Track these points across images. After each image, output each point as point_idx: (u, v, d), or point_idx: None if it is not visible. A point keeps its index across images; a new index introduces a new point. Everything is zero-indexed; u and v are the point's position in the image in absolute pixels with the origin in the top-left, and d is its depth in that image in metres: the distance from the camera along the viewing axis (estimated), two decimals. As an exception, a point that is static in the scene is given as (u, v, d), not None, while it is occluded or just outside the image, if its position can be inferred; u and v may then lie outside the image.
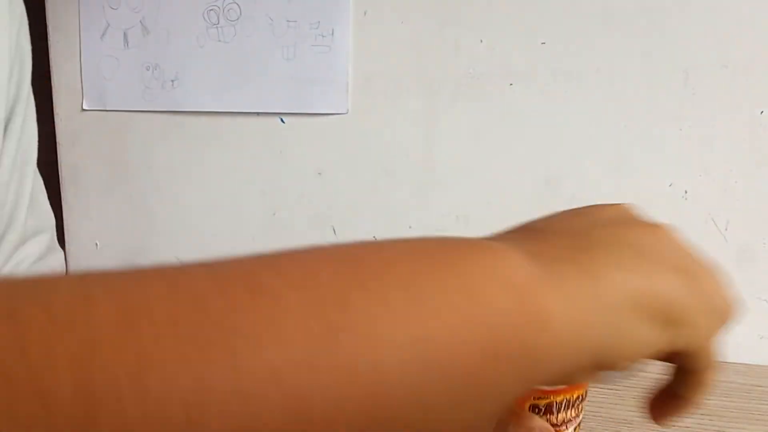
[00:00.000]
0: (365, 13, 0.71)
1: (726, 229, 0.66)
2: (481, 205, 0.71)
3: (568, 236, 0.22)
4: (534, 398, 0.32)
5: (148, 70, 0.77)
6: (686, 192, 0.66)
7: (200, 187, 0.80)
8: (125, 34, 0.77)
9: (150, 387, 0.13)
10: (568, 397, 0.32)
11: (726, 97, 0.64)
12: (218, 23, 0.74)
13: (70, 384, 0.12)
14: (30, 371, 0.12)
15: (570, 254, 0.21)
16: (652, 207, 0.76)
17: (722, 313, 0.23)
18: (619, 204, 0.26)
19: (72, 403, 0.12)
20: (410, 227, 0.74)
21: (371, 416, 0.15)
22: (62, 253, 0.52)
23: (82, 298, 0.14)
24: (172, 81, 0.76)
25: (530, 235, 0.23)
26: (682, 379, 0.26)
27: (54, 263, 0.50)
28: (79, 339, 0.13)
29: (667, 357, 0.23)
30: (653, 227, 0.23)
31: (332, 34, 0.71)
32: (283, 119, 0.75)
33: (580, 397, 0.33)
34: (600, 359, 0.21)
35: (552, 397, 0.32)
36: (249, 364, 0.14)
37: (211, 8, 0.74)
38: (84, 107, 0.80)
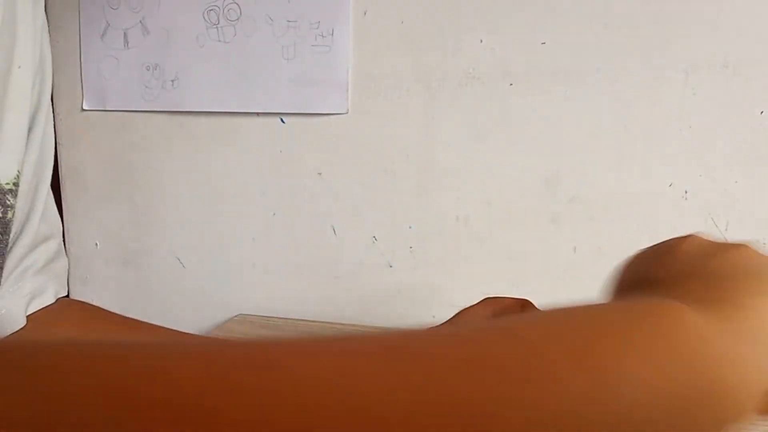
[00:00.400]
0: (365, 13, 0.71)
1: (726, 229, 0.66)
2: (481, 205, 0.71)
3: (692, 277, 0.23)
4: None
5: (148, 70, 0.77)
6: (686, 192, 0.66)
7: (200, 187, 0.80)
8: (125, 34, 0.77)
9: None
10: None
11: (726, 97, 0.64)
12: (218, 23, 0.74)
13: None
14: None
15: (722, 295, 0.22)
16: (652, 207, 0.76)
17: None
18: (690, 236, 0.27)
19: None
20: (410, 227, 0.74)
21: None
22: (66, 260, 0.53)
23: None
24: (172, 81, 0.76)
25: (681, 282, 0.23)
26: None
27: (59, 269, 0.51)
28: None
29: None
30: (735, 248, 0.25)
31: (332, 34, 0.71)
32: (283, 119, 0.75)
33: None
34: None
35: None
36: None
37: (211, 8, 0.74)
38: (84, 107, 0.80)
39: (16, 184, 0.43)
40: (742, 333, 0.20)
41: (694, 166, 0.65)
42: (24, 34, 0.43)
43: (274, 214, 0.78)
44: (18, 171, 0.43)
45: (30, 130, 0.45)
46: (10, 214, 0.43)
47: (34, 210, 0.46)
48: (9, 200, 0.42)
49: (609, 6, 0.65)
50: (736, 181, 0.65)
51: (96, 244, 0.84)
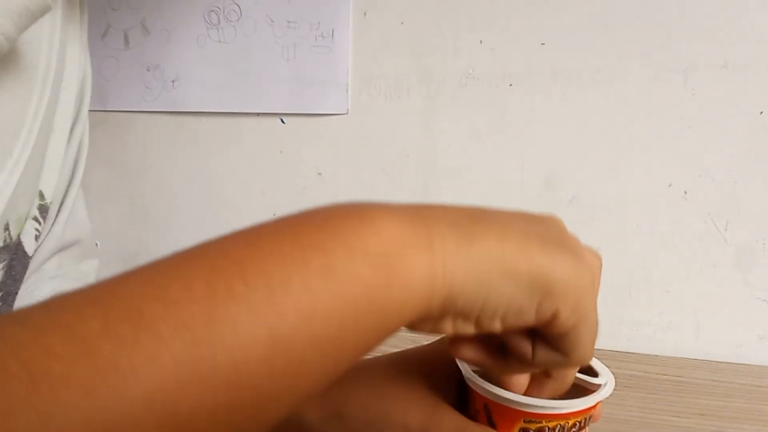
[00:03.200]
0: (365, 14, 0.71)
1: (726, 229, 0.66)
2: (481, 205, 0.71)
3: (472, 212, 0.26)
4: (524, 421, 0.30)
5: (148, 70, 0.77)
6: (686, 192, 0.66)
7: (200, 187, 0.80)
8: (126, 35, 0.77)
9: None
10: (562, 424, 0.30)
11: (726, 97, 0.64)
12: (219, 24, 0.74)
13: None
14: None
15: (460, 221, 0.24)
16: (652, 207, 0.76)
17: (591, 288, 0.26)
18: (548, 215, 0.28)
19: None
20: (410, 227, 0.74)
21: (235, 402, 0.18)
22: (96, 260, 0.53)
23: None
24: (173, 81, 0.76)
25: (432, 206, 0.26)
26: (552, 357, 0.27)
27: (86, 270, 0.52)
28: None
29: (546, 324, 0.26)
30: (559, 231, 0.27)
31: (332, 34, 0.71)
32: (283, 119, 0.75)
33: (578, 424, 0.31)
34: (461, 311, 0.24)
35: (544, 422, 0.30)
36: (128, 396, 0.16)
37: (211, 9, 0.74)
38: (84, 107, 0.80)
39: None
40: (439, 252, 0.23)
41: (694, 166, 0.65)
42: (71, 57, 0.44)
43: (274, 214, 0.78)
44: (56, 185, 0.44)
45: (69, 140, 0.45)
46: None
47: (61, 214, 0.46)
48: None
49: (609, 6, 0.65)
50: (736, 181, 0.65)
51: (96, 245, 0.85)
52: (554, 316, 0.24)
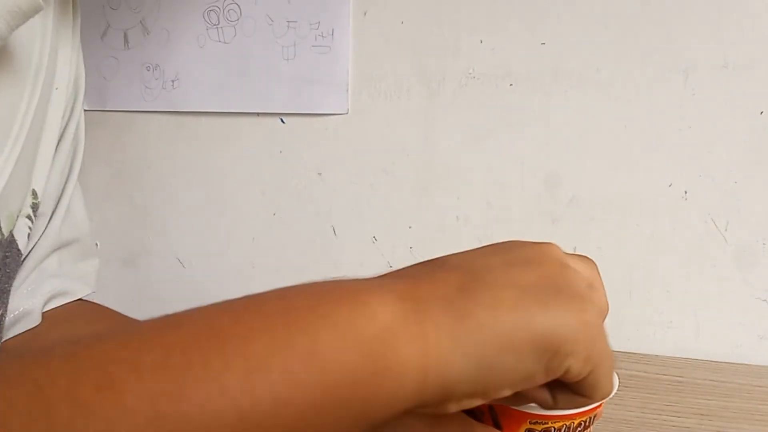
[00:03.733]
0: (365, 14, 0.71)
1: (726, 230, 0.66)
2: (481, 205, 0.71)
3: (460, 275, 0.24)
4: (530, 422, 0.30)
5: (148, 70, 0.77)
6: (686, 192, 0.66)
7: (200, 187, 0.80)
8: (125, 35, 0.77)
9: None
10: (567, 424, 0.30)
11: (726, 97, 0.64)
12: (218, 23, 0.74)
13: None
14: None
15: (449, 294, 0.23)
16: (652, 207, 0.76)
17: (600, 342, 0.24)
18: (544, 243, 0.27)
19: None
20: (410, 227, 0.74)
21: None
22: (97, 260, 0.53)
23: None
24: (173, 81, 0.76)
25: (421, 274, 0.25)
26: (571, 399, 0.27)
27: (86, 270, 0.51)
28: None
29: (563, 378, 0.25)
30: (559, 267, 0.25)
31: (332, 34, 0.71)
32: (283, 119, 0.75)
33: (582, 424, 0.30)
34: (465, 393, 0.23)
35: (550, 423, 0.30)
36: None
37: (211, 9, 0.74)
38: (84, 107, 0.80)
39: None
40: (430, 335, 0.22)
41: (694, 166, 0.65)
42: (63, 58, 0.44)
43: (275, 214, 0.78)
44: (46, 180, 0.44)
45: (61, 139, 0.45)
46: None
47: (57, 212, 0.46)
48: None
49: (609, 6, 0.65)
50: (736, 181, 0.65)
51: (96, 245, 0.84)
52: (567, 371, 0.24)
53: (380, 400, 0.21)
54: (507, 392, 0.24)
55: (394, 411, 0.22)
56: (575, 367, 0.23)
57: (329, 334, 0.20)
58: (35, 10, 0.34)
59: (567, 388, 0.26)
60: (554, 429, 0.30)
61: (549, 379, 0.24)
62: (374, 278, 0.25)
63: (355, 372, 0.20)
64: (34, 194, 0.43)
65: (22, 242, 0.41)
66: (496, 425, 0.31)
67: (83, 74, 0.48)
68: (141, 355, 0.18)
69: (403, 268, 0.26)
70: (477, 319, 0.22)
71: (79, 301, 0.50)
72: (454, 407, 0.24)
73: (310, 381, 0.20)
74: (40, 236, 0.45)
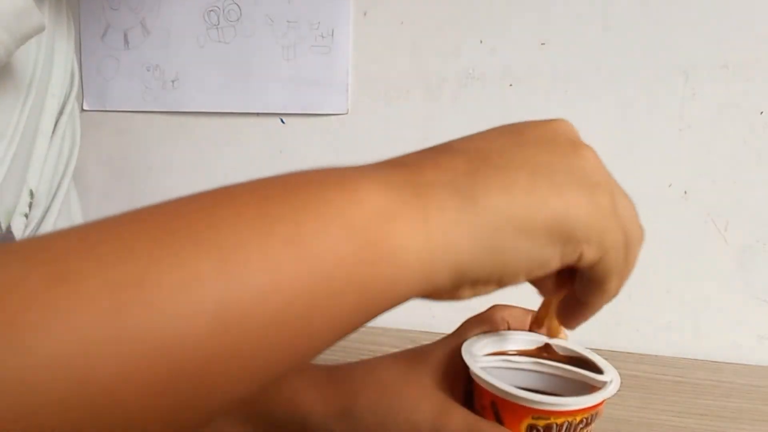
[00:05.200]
0: (365, 14, 0.71)
1: (726, 230, 0.66)
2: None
3: (468, 158, 0.23)
4: (532, 417, 0.30)
5: (148, 70, 0.77)
6: (686, 192, 0.66)
7: (200, 187, 0.79)
8: (126, 35, 0.77)
9: None
10: (570, 420, 0.30)
11: (726, 97, 0.64)
12: (218, 24, 0.74)
13: None
14: None
15: (456, 178, 0.22)
16: (652, 207, 0.76)
17: (628, 230, 0.25)
18: (554, 120, 0.26)
19: None
20: (410, 227, 0.74)
21: (167, 385, 0.16)
22: None
23: None
24: (173, 81, 0.76)
25: (422, 160, 0.23)
26: (585, 286, 0.27)
27: None
28: None
29: (575, 266, 0.24)
30: (571, 147, 0.24)
31: (332, 34, 0.71)
32: (283, 119, 0.75)
33: (584, 421, 0.31)
34: (478, 278, 0.22)
35: (552, 419, 0.30)
36: (34, 354, 0.14)
37: (211, 9, 0.74)
38: (84, 107, 0.80)
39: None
40: (434, 220, 0.21)
41: (694, 166, 0.65)
42: (58, 66, 0.46)
43: (274, 214, 0.78)
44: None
45: (53, 133, 0.46)
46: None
47: (53, 205, 0.47)
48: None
49: (609, 7, 0.65)
50: (736, 181, 0.65)
51: (96, 245, 0.85)
52: (580, 257, 0.23)
53: (380, 289, 0.20)
54: (522, 279, 0.23)
55: (398, 299, 0.21)
56: (587, 253, 0.23)
57: (313, 221, 0.19)
58: (39, 29, 0.36)
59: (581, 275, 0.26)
60: (556, 425, 0.30)
61: (563, 265, 0.23)
62: (365, 166, 0.24)
63: (346, 260, 0.19)
64: (31, 194, 0.43)
65: (18, 238, 0.42)
66: (498, 420, 0.31)
67: (77, 71, 0.49)
68: (101, 246, 0.16)
69: (402, 156, 0.25)
70: (488, 202, 0.21)
71: None
72: (468, 293, 0.23)
73: (295, 269, 0.18)
74: (37, 229, 0.45)
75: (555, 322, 0.34)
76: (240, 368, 0.17)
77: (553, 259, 0.23)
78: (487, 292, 0.23)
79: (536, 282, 0.29)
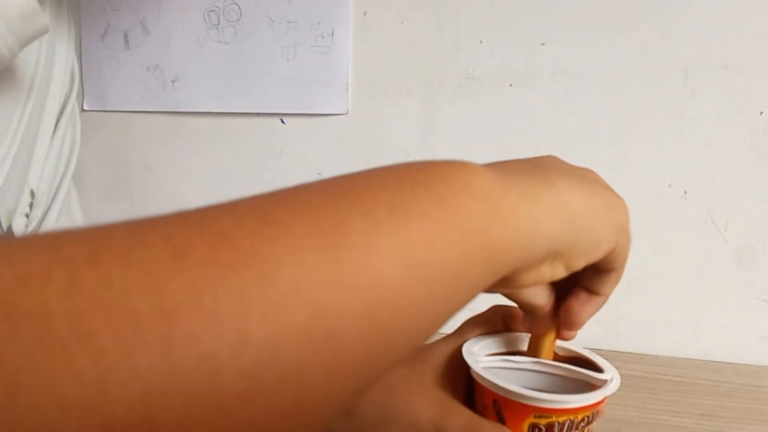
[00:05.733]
0: (365, 14, 0.71)
1: (726, 230, 0.66)
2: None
3: (524, 163, 0.27)
4: (534, 416, 0.30)
5: (148, 70, 0.77)
6: (686, 192, 0.66)
7: (200, 187, 0.80)
8: (126, 35, 0.77)
9: (205, 306, 0.15)
10: (572, 419, 0.30)
11: (726, 97, 0.64)
12: (218, 24, 0.74)
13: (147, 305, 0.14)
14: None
15: (533, 172, 0.26)
16: (652, 207, 0.76)
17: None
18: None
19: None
20: (410, 227, 0.74)
21: (375, 324, 0.18)
22: None
23: (139, 245, 0.16)
24: (173, 81, 0.76)
25: (498, 163, 0.27)
26: (600, 278, 0.32)
27: None
28: (147, 278, 0.15)
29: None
30: (582, 168, 0.29)
31: (332, 34, 0.71)
32: (283, 119, 0.75)
33: (586, 419, 0.31)
34: (560, 252, 0.26)
35: (554, 417, 0.30)
36: (275, 284, 0.16)
37: (211, 9, 0.74)
38: (84, 107, 0.80)
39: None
40: (534, 197, 0.24)
41: (694, 167, 0.65)
42: (59, 66, 0.46)
43: (275, 214, 0.78)
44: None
45: (53, 133, 0.47)
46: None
47: (53, 206, 0.47)
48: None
49: (609, 7, 0.65)
50: (736, 181, 0.65)
51: (96, 245, 0.85)
52: (617, 245, 0.28)
53: (503, 249, 0.22)
54: (583, 263, 0.27)
55: (513, 263, 0.24)
56: (620, 242, 0.29)
57: (446, 188, 0.22)
58: (43, 32, 0.37)
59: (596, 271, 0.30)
60: (558, 423, 0.30)
61: (609, 251, 0.28)
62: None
63: (480, 219, 0.22)
64: (32, 194, 0.44)
65: None
66: (500, 420, 0.31)
67: (78, 70, 0.50)
68: (304, 205, 0.19)
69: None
70: (565, 189, 0.25)
71: None
72: (548, 272, 0.27)
73: (447, 224, 0.20)
74: (38, 229, 0.46)
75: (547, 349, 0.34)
76: (422, 314, 0.20)
77: (612, 243, 0.28)
78: (557, 276, 0.27)
79: (529, 307, 0.32)
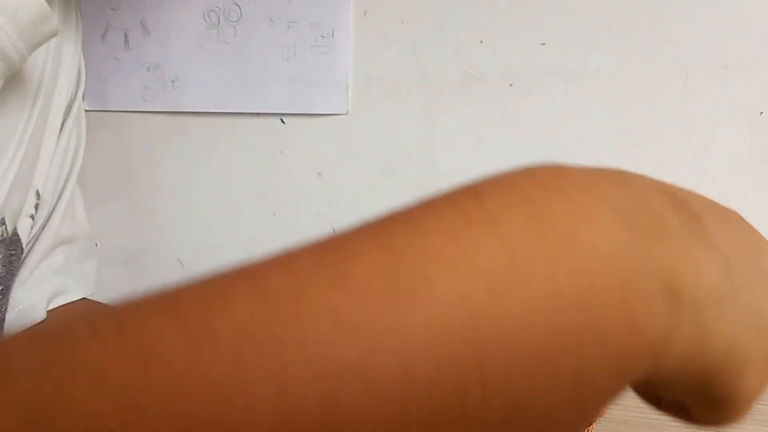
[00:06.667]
0: (365, 14, 0.71)
1: (726, 229, 0.66)
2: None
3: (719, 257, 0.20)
4: None
5: (148, 70, 0.77)
6: (686, 192, 0.66)
7: (200, 187, 0.80)
8: (126, 35, 0.77)
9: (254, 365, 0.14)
10: None
11: (726, 97, 0.64)
12: (218, 24, 0.74)
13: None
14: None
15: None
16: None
17: None
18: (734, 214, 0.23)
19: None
20: (410, 227, 0.74)
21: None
22: (96, 260, 0.54)
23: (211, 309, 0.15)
24: (173, 81, 0.76)
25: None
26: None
27: (86, 271, 0.52)
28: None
29: None
30: (734, 219, 0.22)
31: (332, 34, 0.71)
32: (283, 119, 0.75)
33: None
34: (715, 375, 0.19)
35: None
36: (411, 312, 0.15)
37: (211, 9, 0.74)
38: (84, 107, 0.80)
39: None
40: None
41: (694, 166, 0.66)
42: (65, 67, 0.46)
43: (274, 214, 0.78)
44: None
45: (59, 133, 0.47)
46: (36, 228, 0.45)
47: (59, 206, 0.47)
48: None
49: (609, 6, 0.65)
50: (736, 182, 0.65)
51: (96, 244, 0.85)
52: None
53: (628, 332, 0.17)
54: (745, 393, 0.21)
55: (640, 359, 0.18)
56: None
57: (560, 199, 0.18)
58: (53, 34, 0.37)
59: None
60: None
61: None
62: None
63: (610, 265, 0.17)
64: (38, 195, 0.44)
65: (25, 240, 0.43)
66: None
67: (84, 69, 0.50)
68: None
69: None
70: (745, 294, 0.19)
71: (83, 300, 0.51)
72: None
73: (574, 269, 0.16)
74: (42, 230, 0.46)
75: None
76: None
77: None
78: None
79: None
